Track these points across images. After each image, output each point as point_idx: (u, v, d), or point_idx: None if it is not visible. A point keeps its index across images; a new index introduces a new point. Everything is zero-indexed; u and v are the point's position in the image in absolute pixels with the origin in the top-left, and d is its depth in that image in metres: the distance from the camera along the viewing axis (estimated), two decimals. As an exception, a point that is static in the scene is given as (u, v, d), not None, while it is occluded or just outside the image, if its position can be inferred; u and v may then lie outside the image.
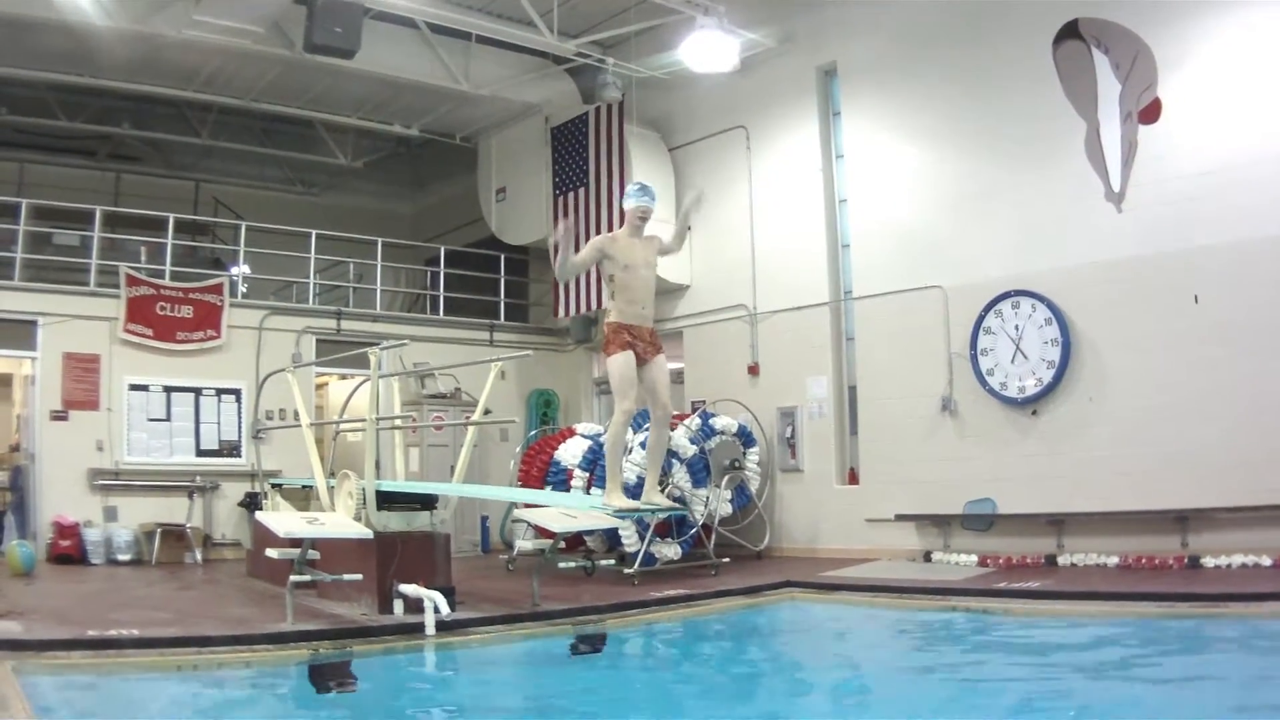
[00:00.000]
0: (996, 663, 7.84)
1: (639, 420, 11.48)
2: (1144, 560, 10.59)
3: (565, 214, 16.17)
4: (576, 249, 8.96)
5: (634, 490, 10.36)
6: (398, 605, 8.86)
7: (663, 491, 10.34)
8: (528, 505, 11.30)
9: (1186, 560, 10.34)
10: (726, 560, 12.68)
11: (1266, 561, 9.84)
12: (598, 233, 14.61)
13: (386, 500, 9.54)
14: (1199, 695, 6.32)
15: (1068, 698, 6.50)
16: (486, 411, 10.83)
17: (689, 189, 14.96)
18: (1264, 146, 10.44)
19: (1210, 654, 7.65)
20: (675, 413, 11.44)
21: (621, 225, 8.73)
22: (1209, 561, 10.19)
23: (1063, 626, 8.76)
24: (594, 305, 16.23)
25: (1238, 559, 10.03)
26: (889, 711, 6.53)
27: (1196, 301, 10.81)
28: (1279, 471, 9.98)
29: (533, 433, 16.16)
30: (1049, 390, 11.86)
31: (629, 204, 8.58)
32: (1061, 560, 11.28)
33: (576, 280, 16.37)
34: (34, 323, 14.07)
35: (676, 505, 11.22)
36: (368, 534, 9.08)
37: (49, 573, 12.61)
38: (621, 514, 9.23)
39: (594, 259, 8.56)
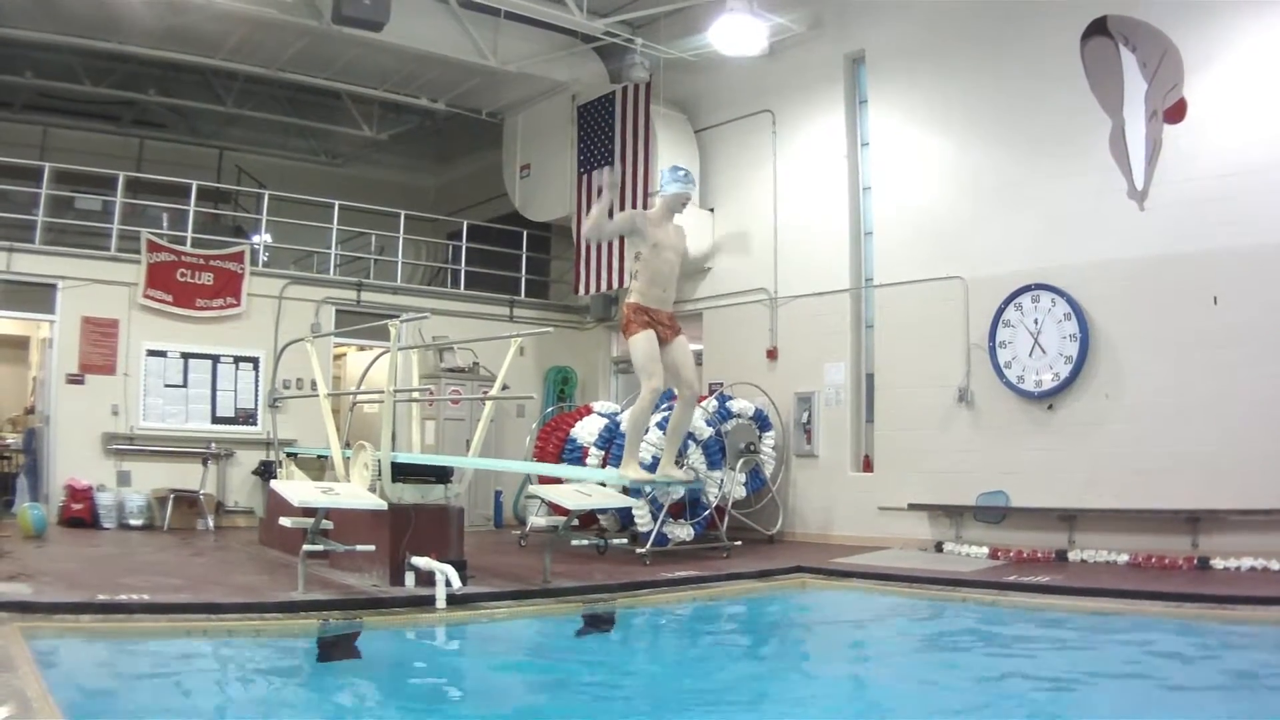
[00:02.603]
0: (1001, 655, 7.84)
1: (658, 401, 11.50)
2: (1154, 559, 10.56)
3: (589, 195, 16.15)
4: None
5: (650, 468, 10.38)
6: (409, 577, 8.91)
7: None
8: (542, 481, 11.33)
9: (1196, 561, 10.31)
10: (739, 543, 12.70)
11: (1276, 565, 9.83)
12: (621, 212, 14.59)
13: (401, 472, 9.55)
14: (1200, 697, 6.32)
15: (1066, 694, 6.52)
16: (504, 387, 10.84)
17: (713, 174, 14.88)
18: (1288, 150, 10.39)
19: (1213, 656, 7.63)
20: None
21: (648, 205, 8.68)
22: (1219, 563, 10.17)
23: (1070, 622, 8.74)
24: (615, 284, 16.20)
25: (1247, 562, 10.01)
26: (892, 698, 6.56)
27: (1215, 303, 10.77)
28: (1292, 475, 9.97)
29: (550, 409, 16.21)
30: (1066, 385, 11.84)
31: (672, 189, 8.48)
32: (1072, 556, 11.27)
33: (598, 258, 16.38)
34: (53, 286, 14.13)
35: (690, 478, 11.21)
36: (382, 505, 9.12)
37: (60, 536, 12.67)
38: (636, 485, 9.24)
39: (625, 229, 8.52)
